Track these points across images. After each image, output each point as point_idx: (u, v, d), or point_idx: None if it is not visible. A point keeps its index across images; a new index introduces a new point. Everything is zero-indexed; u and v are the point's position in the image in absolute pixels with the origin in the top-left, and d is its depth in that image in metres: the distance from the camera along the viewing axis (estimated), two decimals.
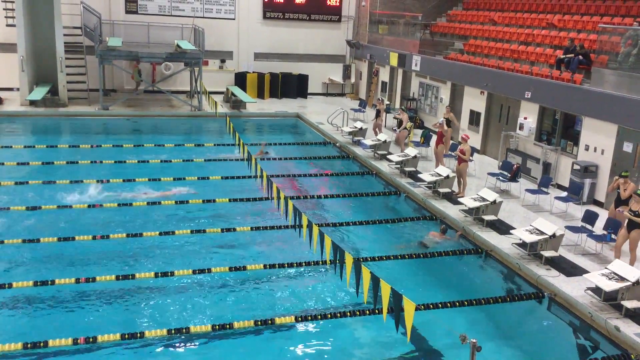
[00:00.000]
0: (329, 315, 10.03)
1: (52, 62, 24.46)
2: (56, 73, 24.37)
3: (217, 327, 9.47)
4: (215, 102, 24.31)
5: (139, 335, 9.09)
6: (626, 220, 11.18)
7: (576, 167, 15.56)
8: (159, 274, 11.06)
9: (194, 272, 11.25)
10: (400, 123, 19.69)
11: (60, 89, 24.55)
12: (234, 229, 13.50)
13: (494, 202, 13.61)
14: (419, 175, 16.45)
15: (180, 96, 27.21)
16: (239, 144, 17.31)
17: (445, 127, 17.71)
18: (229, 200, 15.39)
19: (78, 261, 11.90)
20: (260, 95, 29.23)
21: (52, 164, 17.49)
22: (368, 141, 19.92)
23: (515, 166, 16.49)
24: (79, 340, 8.83)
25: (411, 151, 17.91)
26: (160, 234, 13.01)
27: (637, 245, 11.07)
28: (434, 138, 18.46)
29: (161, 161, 18.34)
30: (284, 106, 27.86)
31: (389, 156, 18.42)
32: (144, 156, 18.71)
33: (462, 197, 14.85)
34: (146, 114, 25.08)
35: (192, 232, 13.28)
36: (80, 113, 24.18)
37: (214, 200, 15.27)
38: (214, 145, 21.05)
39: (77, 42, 25.56)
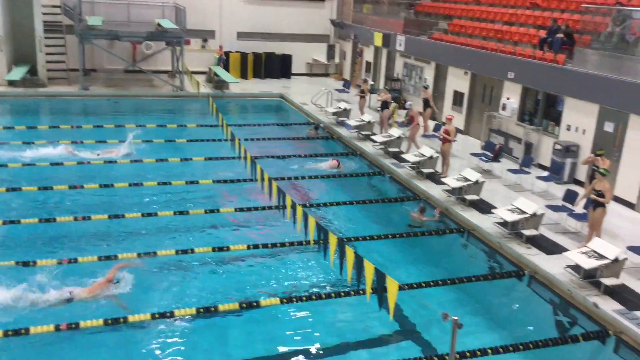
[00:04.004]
0: (314, 297, 10.07)
1: (30, 42, 23.99)
2: (35, 53, 23.94)
3: (201, 310, 9.46)
4: (198, 82, 24.07)
5: (122, 320, 9.05)
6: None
7: (557, 147, 15.69)
8: (142, 255, 11.00)
9: (177, 252, 11.21)
10: (384, 104, 19.66)
11: (39, 69, 24.14)
12: (218, 210, 13.45)
13: (477, 182, 13.70)
14: (403, 156, 16.49)
15: (162, 76, 26.88)
16: (222, 125, 17.19)
17: (419, 110, 17.69)
18: (213, 181, 15.32)
19: (59, 242, 11.79)
20: (244, 75, 29.00)
21: (31, 144, 17.23)
22: (352, 122, 19.89)
23: (497, 146, 16.59)
24: (61, 327, 8.77)
25: (395, 132, 17.93)
26: (142, 215, 12.92)
27: (601, 223, 11.28)
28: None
29: (142, 141, 18.16)
30: (268, 87, 27.67)
31: (373, 137, 18.42)
32: (125, 137, 18.48)
33: (446, 177, 14.93)
34: (127, 94, 24.79)
35: (175, 213, 13.20)
36: (60, 93, 23.82)
37: (197, 182, 15.19)
38: (197, 125, 20.88)
39: (56, 21, 25.06)
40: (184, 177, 15.39)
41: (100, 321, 8.93)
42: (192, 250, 11.34)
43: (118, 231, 12.48)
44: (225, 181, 15.38)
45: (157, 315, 9.23)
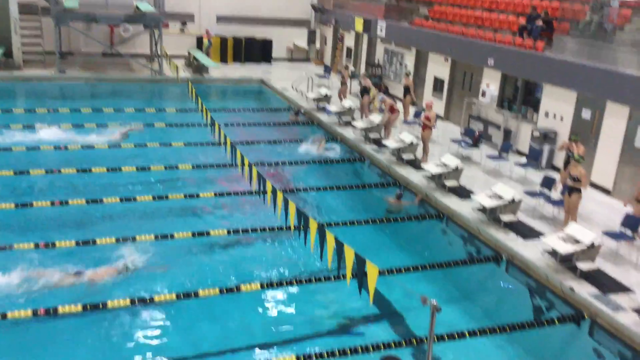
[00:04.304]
0: (295, 282, 10.11)
1: (5, 24, 23.44)
2: (10, 35, 23.41)
3: (182, 295, 9.42)
4: (177, 66, 23.78)
5: (101, 306, 8.99)
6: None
7: (536, 133, 15.85)
8: (120, 239, 10.91)
9: (156, 237, 11.13)
10: (364, 90, 19.65)
11: (14, 52, 23.64)
12: (198, 195, 13.38)
13: (456, 168, 13.80)
14: (383, 142, 16.53)
15: (140, 60, 26.51)
16: (201, 110, 17.04)
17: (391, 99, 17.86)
18: (192, 166, 15.21)
19: (36, 227, 11.63)
20: (223, 59, 28.72)
21: (7, 128, 16.92)
22: (333, 107, 19.86)
23: (477, 133, 16.70)
24: (39, 312, 8.69)
25: (376, 118, 17.94)
26: (121, 200, 12.80)
27: (577, 208, 11.45)
28: (399, 105, 18.48)
29: (120, 124, 17.94)
30: (248, 71, 27.46)
31: (353, 122, 18.43)
32: (103, 121, 18.25)
33: (425, 163, 15.01)
34: (105, 77, 24.40)
35: (154, 198, 13.09)
36: (35, 76, 23.36)
37: (177, 167, 15.07)
38: (176, 110, 20.68)
39: (31, 3, 24.52)
40: (163, 162, 15.25)
41: (79, 307, 8.87)
42: (172, 236, 11.27)
43: (96, 216, 12.35)
44: (205, 166, 15.29)
45: (136, 301, 9.18)
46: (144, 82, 24.75)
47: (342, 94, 21.53)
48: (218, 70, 26.29)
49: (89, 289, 9.60)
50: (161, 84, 24.79)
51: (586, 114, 14.76)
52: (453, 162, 13.92)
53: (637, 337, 8.38)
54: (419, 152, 15.90)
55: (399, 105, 18.62)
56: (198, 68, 25.90)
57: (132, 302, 9.16)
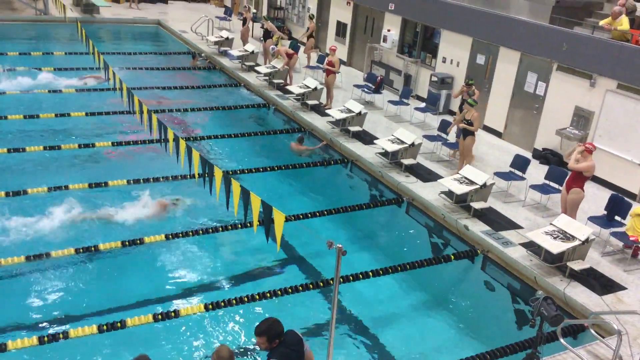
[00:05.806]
0: (201, 232, 9.97)
1: None
2: None
3: (81, 250, 9.04)
4: (64, 6, 21.98)
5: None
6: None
7: (434, 78, 16.33)
8: (10, 193, 10.22)
9: (49, 189, 10.52)
10: (267, 33, 19.21)
11: None
12: (93, 145, 12.70)
13: (359, 113, 14.00)
14: (288, 87, 16.38)
15: None
16: (93, 53, 15.98)
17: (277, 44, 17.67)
18: (86, 114, 14.35)
19: None
20: None
21: None
22: (235, 52, 19.31)
23: (379, 78, 16.95)
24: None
25: (278, 63, 17.68)
26: (9, 150, 11.91)
27: (470, 149, 12.09)
28: (302, 50, 18.29)
29: (4, 70, 16.50)
30: (143, 12, 25.93)
31: (257, 67, 18.07)
32: None
33: (330, 108, 15.09)
34: None
35: (45, 148, 12.27)
36: None
37: (69, 114, 14.15)
38: (65, 54, 19.26)
39: None
40: (53, 110, 14.25)
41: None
42: (67, 187, 10.69)
43: None
44: (100, 113, 14.47)
45: (32, 257, 8.71)
46: (28, 22, 22.75)
47: (244, 38, 20.93)
48: (109, 10, 24.63)
49: None
50: (47, 25, 22.90)
51: (480, 59, 15.34)
52: (356, 107, 14.09)
53: (524, 270, 9.10)
54: (324, 98, 15.95)
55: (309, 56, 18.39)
56: (87, 7, 24.10)
57: (27, 258, 8.69)
